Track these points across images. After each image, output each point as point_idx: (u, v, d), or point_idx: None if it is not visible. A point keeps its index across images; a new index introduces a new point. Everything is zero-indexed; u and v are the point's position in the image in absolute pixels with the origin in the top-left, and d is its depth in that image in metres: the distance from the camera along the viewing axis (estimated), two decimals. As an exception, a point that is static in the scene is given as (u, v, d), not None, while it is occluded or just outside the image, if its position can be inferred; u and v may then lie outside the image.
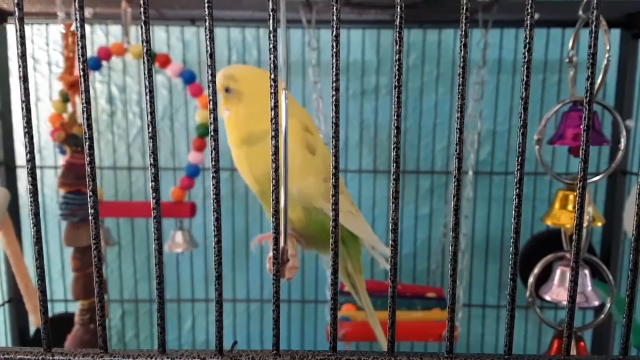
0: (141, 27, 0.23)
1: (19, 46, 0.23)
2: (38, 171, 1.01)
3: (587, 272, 0.56)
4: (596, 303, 0.56)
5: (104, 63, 0.81)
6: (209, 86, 0.24)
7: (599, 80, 0.51)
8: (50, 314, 0.97)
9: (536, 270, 0.58)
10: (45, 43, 1.01)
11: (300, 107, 0.54)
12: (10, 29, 0.95)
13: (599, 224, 0.56)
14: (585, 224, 0.54)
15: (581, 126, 0.54)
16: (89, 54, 0.88)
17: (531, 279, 0.58)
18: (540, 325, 1.03)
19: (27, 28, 0.98)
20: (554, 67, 0.99)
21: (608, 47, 0.49)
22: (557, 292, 0.59)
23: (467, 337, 1.04)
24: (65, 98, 0.76)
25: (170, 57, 0.82)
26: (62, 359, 0.27)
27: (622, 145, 0.53)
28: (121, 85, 1.04)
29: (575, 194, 0.56)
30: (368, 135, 1.03)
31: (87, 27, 0.98)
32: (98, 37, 1.01)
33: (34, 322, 0.78)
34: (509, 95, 0.97)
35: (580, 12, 0.52)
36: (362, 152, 1.02)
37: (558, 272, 0.59)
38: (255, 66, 1.02)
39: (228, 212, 1.04)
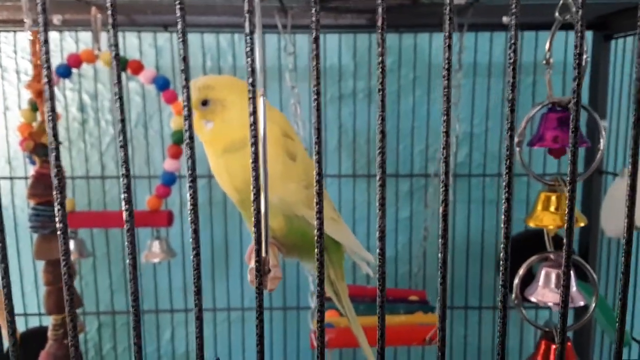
0: (108, 31, 0.22)
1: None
2: (7, 182, 0.98)
3: (571, 272, 0.56)
4: (581, 303, 0.56)
5: (74, 70, 0.79)
6: (183, 91, 0.22)
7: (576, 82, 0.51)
8: (23, 329, 0.94)
9: (521, 271, 0.58)
10: (13, 51, 0.98)
11: (279, 112, 0.53)
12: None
13: (582, 224, 0.56)
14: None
15: (558, 128, 0.54)
16: (58, 61, 0.86)
17: (516, 281, 0.58)
18: (522, 326, 1.04)
19: (-7, 35, 0.96)
20: (528, 69, 0.99)
21: (585, 49, 0.49)
22: (542, 293, 0.58)
23: (450, 339, 1.04)
24: (34, 107, 0.74)
25: (143, 64, 0.80)
26: (32, 384, 0.25)
27: (602, 145, 0.53)
28: (93, 92, 1.02)
29: (557, 195, 0.56)
30: (347, 139, 1.02)
31: (57, 34, 0.96)
32: (68, 43, 0.98)
33: (7, 338, 0.76)
34: (485, 98, 0.97)
35: (557, 14, 0.52)
36: (341, 156, 1.01)
37: (543, 273, 0.59)
38: (231, 72, 1.00)
39: (206, 221, 1.02)
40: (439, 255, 0.23)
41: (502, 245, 0.23)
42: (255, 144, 0.23)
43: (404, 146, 1.02)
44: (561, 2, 0.52)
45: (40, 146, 0.67)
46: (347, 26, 0.86)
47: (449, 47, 0.22)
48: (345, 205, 1.00)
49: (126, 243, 0.23)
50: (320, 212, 0.24)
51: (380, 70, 0.22)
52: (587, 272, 0.56)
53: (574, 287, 0.55)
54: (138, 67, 0.79)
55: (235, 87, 0.49)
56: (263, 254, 0.39)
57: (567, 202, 0.22)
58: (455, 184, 1.00)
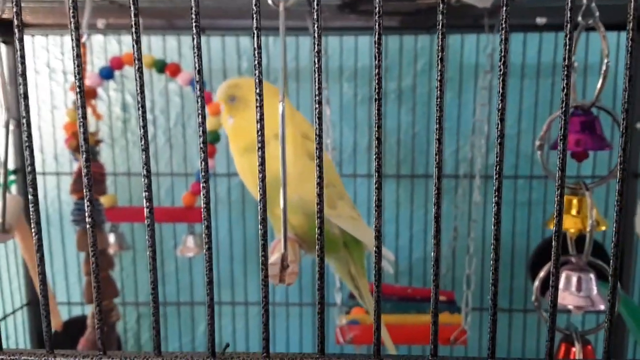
0: (132, 34, 0.24)
1: (19, 65, 0.25)
2: (54, 177, 1.04)
3: (592, 276, 0.56)
4: (602, 307, 0.56)
5: (117, 72, 0.84)
6: (197, 100, 0.25)
7: (599, 85, 0.51)
8: (67, 317, 1.00)
9: (542, 274, 0.58)
10: (61, 52, 1.04)
11: (299, 114, 0.55)
12: (27, 40, 0.98)
13: (603, 229, 0.56)
14: (588, 229, 0.54)
15: (581, 132, 0.54)
16: (102, 63, 0.90)
17: (536, 283, 0.59)
18: (539, 328, 1.03)
19: (42, 39, 1.01)
20: (547, 71, 0.98)
21: (607, 53, 0.49)
22: (562, 296, 0.58)
23: (478, 341, 1.04)
24: (78, 107, 0.78)
25: (181, 66, 0.83)
26: (63, 361, 0.28)
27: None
28: (135, 92, 1.06)
29: (579, 198, 0.56)
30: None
31: (101, 37, 1.01)
32: (112, 46, 1.03)
33: (52, 325, 0.81)
34: (518, 99, 0.96)
35: (580, 19, 0.52)
36: (371, 156, 1.03)
37: (563, 276, 0.59)
38: (265, 73, 1.03)
39: (239, 217, 1.05)
40: (432, 254, 0.25)
41: (492, 246, 0.25)
42: (262, 148, 0.25)
43: (434, 148, 1.02)
44: (584, 6, 0.52)
45: (83, 144, 0.71)
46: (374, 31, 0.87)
47: (442, 49, 0.23)
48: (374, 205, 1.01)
49: (146, 237, 0.26)
50: (320, 210, 0.25)
51: (377, 80, 0.23)
52: (608, 275, 0.55)
53: (594, 291, 0.55)
54: (176, 70, 0.83)
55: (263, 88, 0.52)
56: (282, 250, 0.41)
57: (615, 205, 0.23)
58: (487, 186, 1.00)
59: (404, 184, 1.03)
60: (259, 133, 0.25)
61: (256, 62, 0.23)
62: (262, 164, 0.25)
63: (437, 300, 0.25)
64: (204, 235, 0.26)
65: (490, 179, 1.00)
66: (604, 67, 0.50)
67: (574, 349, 0.58)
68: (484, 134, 0.83)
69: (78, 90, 0.25)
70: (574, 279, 0.56)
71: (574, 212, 0.57)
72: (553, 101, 0.96)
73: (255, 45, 0.23)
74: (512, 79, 0.98)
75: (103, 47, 1.02)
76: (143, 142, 0.24)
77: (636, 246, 0.93)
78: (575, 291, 0.56)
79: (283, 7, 0.45)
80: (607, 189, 0.94)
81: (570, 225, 0.56)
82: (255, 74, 0.23)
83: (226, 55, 0.99)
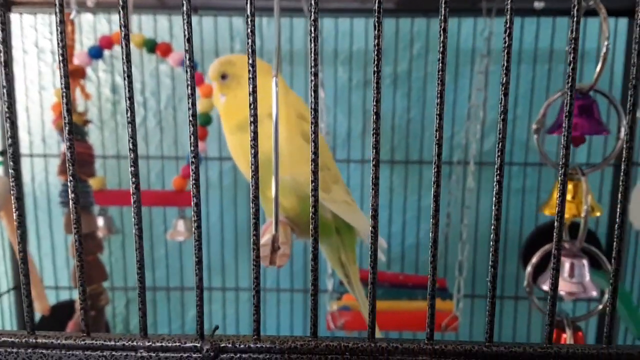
0: (119, 12, 0.23)
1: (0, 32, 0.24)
2: (42, 159, 1.02)
3: (585, 262, 0.56)
4: (594, 293, 0.56)
5: (107, 52, 0.82)
6: (186, 71, 0.23)
7: (598, 68, 0.50)
8: (55, 302, 0.99)
9: (534, 259, 0.58)
10: (49, 32, 1.02)
11: (295, 94, 0.54)
12: (14, 18, 0.96)
13: (598, 214, 0.55)
14: (583, 214, 0.53)
15: (578, 116, 0.53)
16: (91, 42, 0.88)
17: (529, 269, 0.58)
18: (530, 315, 1.03)
19: (30, 17, 0.99)
20: (561, 57, 0.97)
21: (607, 35, 0.48)
22: (550, 276, 0.58)
23: (469, 327, 1.04)
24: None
25: (172, 46, 0.82)
26: (45, 342, 0.27)
27: (622, 134, 0.53)
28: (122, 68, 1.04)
29: (574, 183, 0.55)
30: (371, 125, 1.02)
31: (90, 16, 0.98)
32: (102, 26, 1.01)
33: (38, 309, 0.79)
34: (514, 85, 0.95)
35: (583, 2, 0.51)
36: (364, 142, 1.02)
37: (552, 257, 0.58)
38: (259, 55, 1.01)
39: (231, 202, 1.04)
40: (430, 234, 0.24)
41: (492, 227, 0.24)
42: (254, 123, 0.24)
43: (429, 134, 1.01)
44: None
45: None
46: (373, 10, 0.86)
47: (444, 30, 0.22)
48: (368, 190, 1.00)
49: (133, 219, 0.25)
50: (315, 190, 0.24)
51: (376, 52, 0.22)
52: (601, 263, 0.55)
53: (587, 277, 0.54)
54: (167, 50, 0.81)
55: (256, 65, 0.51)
56: (273, 232, 0.40)
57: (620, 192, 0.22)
58: (481, 172, 0.99)
59: (398, 170, 1.02)
60: (252, 110, 0.23)
61: (249, 30, 0.22)
62: (255, 139, 0.24)
63: (435, 283, 0.25)
64: (193, 214, 0.25)
65: (484, 166, 0.99)
66: (603, 50, 0.49)
67: (564, 335, 0.57)
68: (480, 120, 0.83)
69: (61, 58, 0.23)
70: (567, 265, 0.56)
71: (569, 197, 0.56)
72: (549, 87, 0.96)
73: (249, 13, 0.22)
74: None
75: (92, 27, 1.00)
76: (129, 114, 0.23)
77: (629, 234, 0.93)
78: (568, 277, 0.56)
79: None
80: (602, 175, 0.94)
81: (565, 210, 0.55)
82: (247, 43, 0.22)
83: (219, 36, 0.97)
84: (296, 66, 0.98)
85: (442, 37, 0.22)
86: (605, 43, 0.47)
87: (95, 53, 0.80)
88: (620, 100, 0.88)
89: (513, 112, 0.98)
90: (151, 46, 0.81)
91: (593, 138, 0.89)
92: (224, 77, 0.51)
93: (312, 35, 0.22)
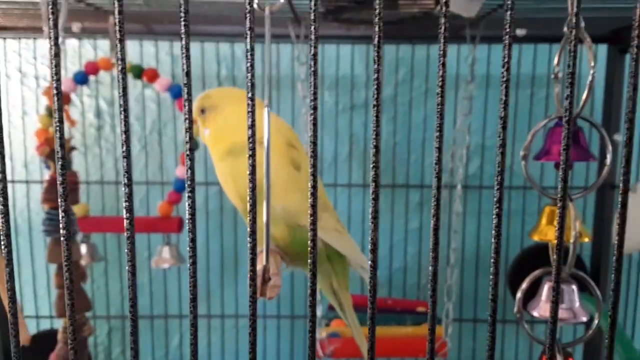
0: (118, 42, 0.23)
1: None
2: (24, 186, 1.00)
3: (574, 287, 0.56)
4: (584, 319, 0.56)
5: (92, 77, 0.81)
6: (185, 104, 0.23)
7: (584, 96, 0.51)
8: (35, 331, 0.96)
9: (524, 285, 0.58)
10: (33, 57, 1.01)
11: (284, 122, 0.54)
12: (-2, 44, 0.95)
13: (586, 240, 0.55)
14: (572, 240, 0.53)
15: (566, 145, 0.54)
16: (76, 68, 0.88)
17: (519, 294, 0.58)
18: (518, 339, 1.03)
19: (14, 42, 0.98)
20: (542, 82, 0.99)
21: (592, 64, 0.49)
22: (544, 307, 0.58)
23: (457, 352, 1.04)
24: (50, 112, 0.75)
25: (159, 72, 0.81)
26: (33, 384, 0.26)
27: (608, 160, 0.53)
28: (109, 99, 1.04)
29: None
30: (358, 149, 1.03)
31: (75, 42, 0.98)
32: (86, 51, 1.00)
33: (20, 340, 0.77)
34: (497, 110, 0.97)
35: (565, 29, 0.52)
36: (351, 166, 1.02)
37: (546, 287, 0.58)
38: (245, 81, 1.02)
39: (216, 228, 1.03)
40: (430, 268, 0.24)
41: (491, 260, 0.24)
42: (252, 156, 0.24)
43: (415, 157, 1.02)
44: (570, 17, 0.52)
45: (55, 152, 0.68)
46: (359, 37, 0.87)
47: (443, 65, 0.22)
48: (355, 214, 1.01)
49: (126, 250, 0.24)
50: (314, 223, 0.24)
51: (376, 85, 0.22)
52: (590, 288, 0.55)
53: (577, 303, 0.54)
54: (153, 75, 0.81)
55: (231, 94, 0.53)
56: (263, 262, 0.40)
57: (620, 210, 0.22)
58: (466, 196, 1.00)
59: (385, 194, 1.02)
60: (251, 144, 0.23)
61: (249, 83, 0.22)
62: (252, 172, 0.24)
63: (435, 317, 0.24)
64: (188, 248, 0.24)
65: (470, 189, 1.00)
66: (589, 78, 0.49)
67: (556, 362, 0.57)
68: (465, 144, 0.83)
69: (55, 92, 0.23)
70: (552, 292, 0.56)
71: (557, 222, 0.56)
72: (532, 111, 0.97)
73: (249, 47, 0.22)
74: (492, 90, 0.98)
75: (77, 52, 1.00)
76: (124, 147, 0.23)
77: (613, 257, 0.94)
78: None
79: (269, 12, 0.44)
80: (585, 201, 0.95)
81: (554, 236, 0.56)
82: (247, 77, 0.22)
83: (205, 61, 0.97)
84: (283, 90, 0.99)
85: (441, 72, 0.22)
86: (591, 72, 0.48)
87: (81, 79, 0.79)
88: (601, 125, 0.90)
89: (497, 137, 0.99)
90: (138, 72, 0.80)
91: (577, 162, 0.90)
92: (203, 111, 0.51)
93: (312, 69, 0.22)
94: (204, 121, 0.52)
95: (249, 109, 0.23)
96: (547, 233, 0.56)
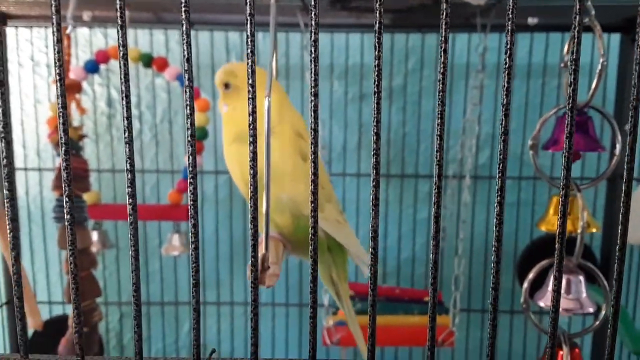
0: (117, 32, 0.23)
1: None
2: (36, 173, 1.02)
3: (581, 278, 0.56)
4: (591, 310, 0.56)
5: (103, 66, 0.81)
6: (185, 91, 0.23)
7: (594, 85, 0.50)
8: (48, 317, 0.97)
9: (531, 275, 0.58)
10: (45, 45, 1.02)
11: (296, 112, 0.54)
12: (10, 32, 0.95)
13: (594, 230, 0.55)
14: (579, 230, 0.53)
15: (569, 132, 0.54)
16: (87, 57, 0.88)
17: (525, 285, 0.58)
18: (526, 329, 1.03)
19: (26, 31, 0.99)
20: (554, 72, 0.98)
21: (602, 52, 0.48)
22: (550, 298, 0.58)
23: (465, 342, 1.04)
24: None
25: (169, 61, 0.82)
26: (39, 366, 0.26)
27: (618, 150, 0.53)
28: (120, 87, 1.04)
29: (570, 199, 0.55)
30: (367, 139, 1.02)
31: (86, 31, 0.98)
32: (97, 39, 1.01)
33: (31, 325, 0.78)
34: (509, 100, 0.96)
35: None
36: (360, 155, 1.02)
37: (552, 278, 0.58)
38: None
39: (226, 216, 1.04)
40: (431, 255, 0.24)
41: (493, 248, 0.24)
42: (253, 143, 0.24)
43: (424, 147, 1.02)
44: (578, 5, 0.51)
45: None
46: (369, 25, 0.86)
47: (445, 51, 0.22)
48: (363, 204, 1.01)
49: (129, 235, 0.24)
50: (315, 210, 0.24)
51: (377, 72, 0.22)
52: (597, 279, 0.55)
53: (584, 293, 0.54)
54: (163, 64, 0.81)
55: (258, 78, 0.52)
56: (263, 251, 0.40)
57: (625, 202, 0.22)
58: (476, 186, 0.99)
59: (394, 184, 1.02)
60: (251, 130, 0.23)
61: (249, 50, 0.22)
62: (254, 159, 0.24)
63: (435, 305, 0.24)
64: (190, 234, 0.24)
65: (479, 180, 0.99)
66: (599, 67, 0.49)
67: (561, 352, 0.57)
68: (475, 134, 0.83)
69: (58, 77, 0.23)
70: (564, 282, 0.56)
71: (559, 210, 0.56)
72: (543, 101, 0.96)
73: (249, 33, 0.22)
74: (502, 79, 0.97)
75: (88, 41, 1.00)
76: (127, 134, 0.23)
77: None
78: (565, 294, 0.56)
79: (274, 0, 0.44)
80: (595, 191, 0.94)
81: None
82: (247, 64, 0.22)
83: (215, 50, 0.97)
84: (292, 80, 0.99)
85: (442, 58, 0.22)
86: (601, 60, 0.48)
87: (92, 67, 0.80)
88: (613, 115, 0.89)
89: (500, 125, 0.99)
90: (147, 60, 0.81)
91: (587, 152, 0.90)
92: (227, 86, 0.51)
93: (313, 55, 0.22)
94: (225, 96, 0.51)
95: (250, 96, 0.23)
96: (554, 223, 0.56)
